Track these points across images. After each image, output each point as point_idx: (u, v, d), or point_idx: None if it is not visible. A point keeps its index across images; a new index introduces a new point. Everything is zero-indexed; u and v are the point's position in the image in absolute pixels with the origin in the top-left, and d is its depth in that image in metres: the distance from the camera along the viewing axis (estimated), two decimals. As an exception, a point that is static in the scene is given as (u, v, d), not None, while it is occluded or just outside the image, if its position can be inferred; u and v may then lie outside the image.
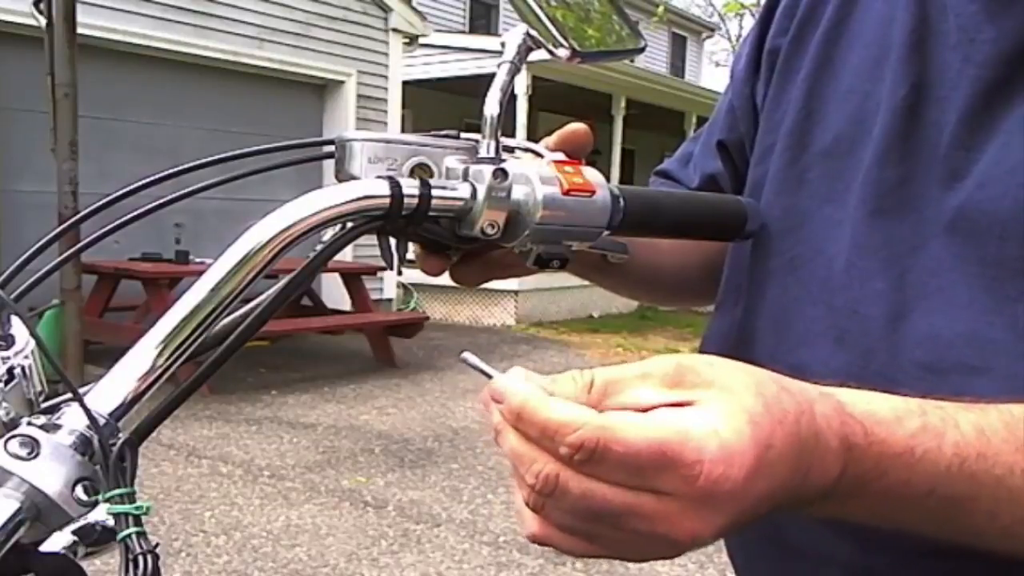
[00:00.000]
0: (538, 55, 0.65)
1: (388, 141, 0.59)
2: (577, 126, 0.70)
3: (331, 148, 0.61)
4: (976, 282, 0.55)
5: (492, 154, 0.61)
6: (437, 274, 0.67)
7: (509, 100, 0.62)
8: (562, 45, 0.63)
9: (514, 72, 0.63)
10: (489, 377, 0.45)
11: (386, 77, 9.15)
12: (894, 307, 0.59)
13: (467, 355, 0.47)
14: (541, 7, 0.63)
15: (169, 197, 0.61)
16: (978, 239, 0.56)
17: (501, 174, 0.58)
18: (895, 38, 0.64)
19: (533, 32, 0.63)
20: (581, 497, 0.41)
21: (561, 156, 0.63)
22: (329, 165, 0.60)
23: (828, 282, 0.64)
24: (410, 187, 0.57)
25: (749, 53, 0.79)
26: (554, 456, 0.41)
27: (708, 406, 0.41)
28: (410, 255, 0.63)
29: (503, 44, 0.64)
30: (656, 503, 0.40)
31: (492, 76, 0.63)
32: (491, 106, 0.61)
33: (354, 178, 0.58)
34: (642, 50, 0.72)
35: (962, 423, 0.46)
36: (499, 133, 0.62)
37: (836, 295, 0.63)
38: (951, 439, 0.45)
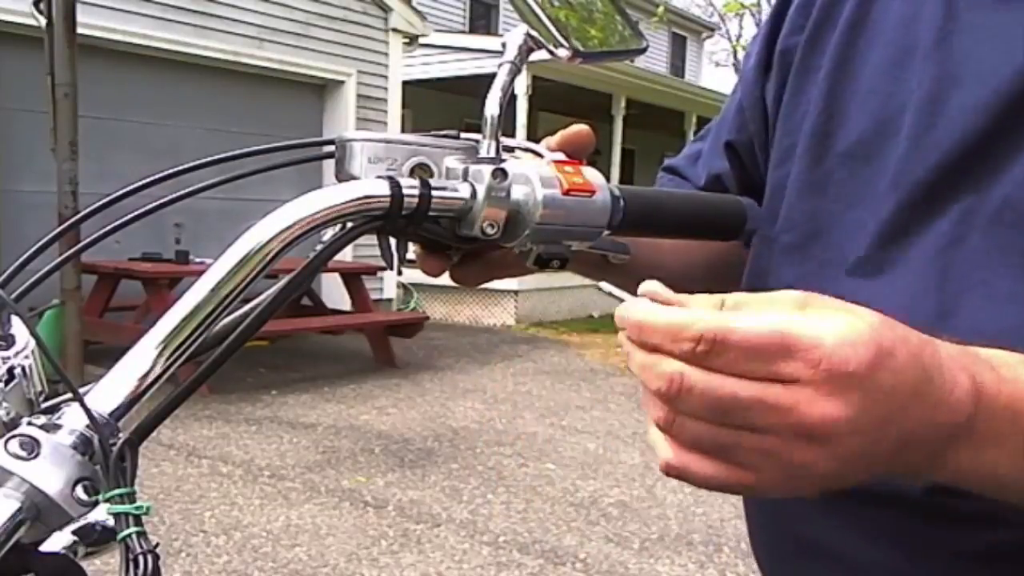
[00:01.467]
0: (538, 55, 0.65)
1: (388, 141, 0.59)
2: (580, 127, 0.69)
3: (331, 148, 0.61)
4: (1021, 273, 0.55)
5: (492, 154, 0.61)
6: (437, 274, 0.67)
7: (509, 100, 0.62)
8: (562, 45, 0.63)
9: (515, 73, 0.63)
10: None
11: (386, 77, 9.15)
12: (940, 304, 0.58)
13: (603, 284, 0.50)
14: (542, 8, 0.63)
15: (169, 197, 0.61)
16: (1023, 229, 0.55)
17: (500, 174, 0.58)
18: (920, 36, 0.63)
19: (534, 33, 0.63)
20: (707, 392, 0.40)
21: (561, 156, 0.63)
22: (329, 165, 0.60)
23: (862, 284, 0.62)
24: (410, 187, 0.56)
25: (760, 52, 0.78)
26: (678, 357, 0.41)
27: (830, 313, 0.42)
28: (410, 255, 0.63)
29: (504, 45, 0.64)
30: (783, 390, 0.40)
31: (493, 76, 0.63)
32: (491, 106, 0.61)
33: (354, 178, 0.58)
34: (644, 50, 0.72)
35: None
36: (499, 133, 0.62)
37: (873, 301, 0.61)
38: None
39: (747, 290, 0.62)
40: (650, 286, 0.44)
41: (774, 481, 0.43)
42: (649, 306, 0.43)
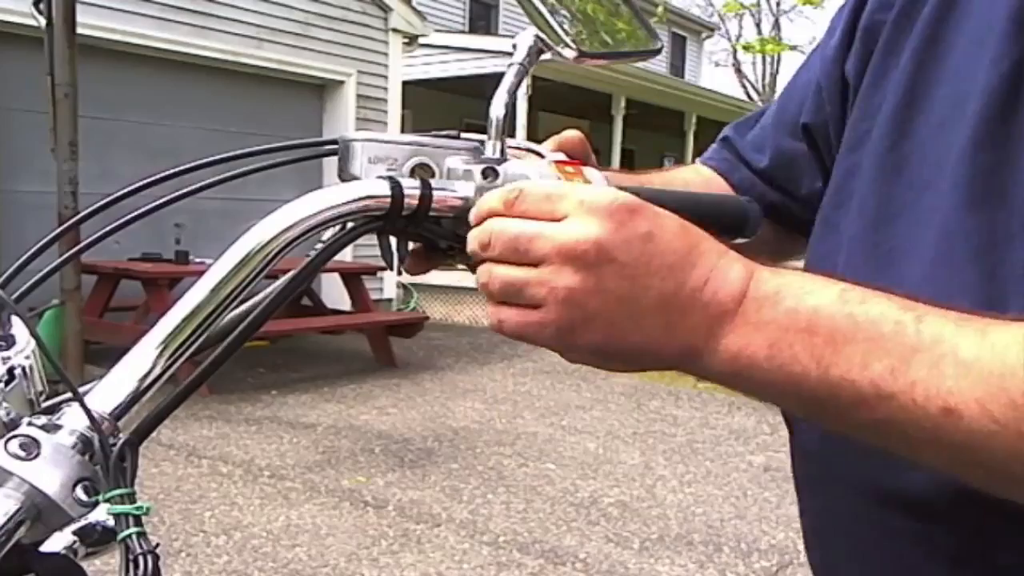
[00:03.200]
0: (545, 55, 0.65)
1: (389, 142, 0.59)
2: (573, 133, 0.69)
3: (332, 145, 0.61)
4: None
5: (498, 155, 0.61)
6: (420, 273, 0.67)
7: (503, 121, 0.62)
8: (568, 46, 0.63)
9: (523, 75, 0.63)
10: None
11: (386, 77, 9.15)
12: (986, 300, 0.55)
13: None
14: (549, 9, 0.63)
15: (169, 197, 0.61)
16: None
17: (491, 173, 0.58)
18: (998, 12, 0.60)
19: (543, 35, 0.63)
20: (505, 229, 0.52)
21: (562, 156, 0.63)
22: (329, 165, 0.60)
23: (919, 275, 0.61)
24: (411, 187, 0.56)
25: (844, 27, 0.74)
26: (499, 214, 0.53)
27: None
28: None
29: (514, 46, 0.64)
30: (556, 224, 0.51)
31: (496, 76, 0.63)
32: (497, 107, 0.61)
33: (355, 178, 0.58)
34: (658, 51, 0.71)
35: (855, 285, 0.51)
36: (505, 134, 0.62)
37: (924, 287, 0.59)
38: (840, 285, 0.51)
39: (811, 272, 0.63)
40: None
41: (558, 315, 0.50)
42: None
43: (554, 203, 0.51)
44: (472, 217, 0.55)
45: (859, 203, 0.68)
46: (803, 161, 0.79)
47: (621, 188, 0.62)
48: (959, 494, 0.52)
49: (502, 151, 0.61)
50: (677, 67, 21.45)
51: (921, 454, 0.48)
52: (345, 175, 0.59)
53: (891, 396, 0.46)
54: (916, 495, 0.58)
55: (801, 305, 0.50)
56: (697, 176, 0.90)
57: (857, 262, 0.66)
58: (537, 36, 0.63)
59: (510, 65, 0.63)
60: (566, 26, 0.64)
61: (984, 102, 0.59)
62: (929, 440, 0.46)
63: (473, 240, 0.54)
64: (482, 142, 0.62)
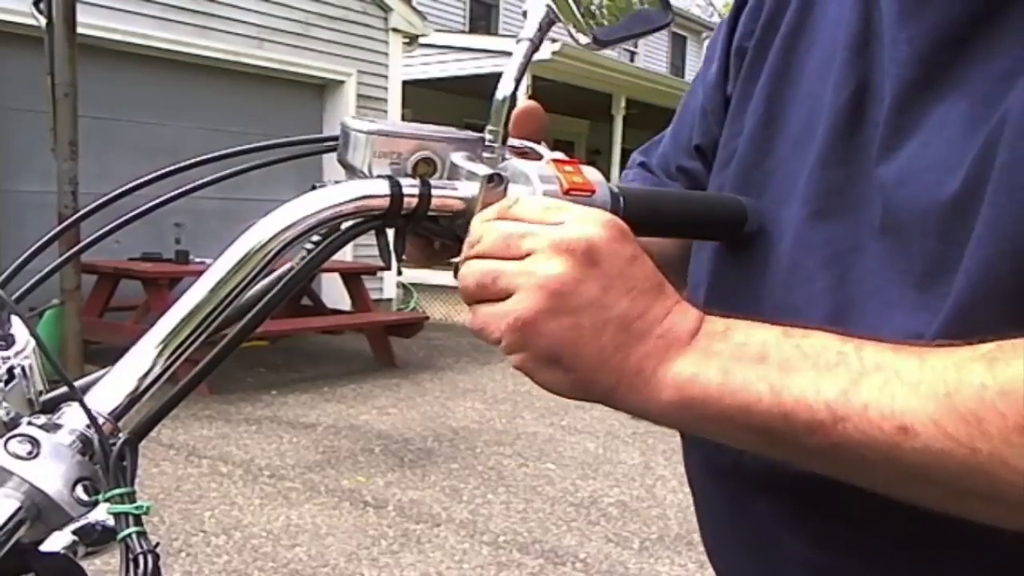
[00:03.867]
0: (540, 56, 0.64)
1: (394, 133, 0.59)
2: (530, 105, 0.68)
3: (331, 143, 0.61)
4: (907, 280, 0.56)
5: (499, 143, 0.61)
6: (420, 264, 0.67)
7: (510, 101, 0.61)
8: (582, 31, 0.62)
9: (533, 50, 0.62)
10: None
11: (386, 77, 9.15)
12: (835, 308, 0.59)
13: None
14: None
15: (169, 195, 0.61)
16: (904, 238, 0.56)
17: (497, 179, 0.57)
18: (840, 40, 0.64)
19: (554, 5, 0.61)
20: (499, 226, 0.54)
21: (561, 155, 0.63)
22: (329, 165, 0.60)
23: (776, 283, 0.65)
24: (410, 187, 0.56)
25: (721, 56, 0.78)
26: (497, 217, 0.56)
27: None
28: (409, 254, 0.63)
29: (524, 14, 0.63)
30: (554, 225, 0.53)
31: (497, 76, 0.62)
32: (505, 87, 0.60)
33: (356, 168, 0.58)
34: (669, 23, 0.70)
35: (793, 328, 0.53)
36: (510, 115, 0.61)
37: (781, 295, 0.64)
38: (781, 327, 0.53)
39: (692, 280, 0.72)
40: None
41: (527, 303, 0.51)
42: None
43: (553, 212, 0.53)
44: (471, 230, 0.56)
45: None
46: (702, 180, 0.82)
47: (621, 189, 0.63)
48: (783, 468, 0.55)
49: (505, 138, 0.61)
50: (677, 67, 21.45)
51: (874, 477, 0.49)
52: (344, 161, 0.59)
53: (845, 418, 0.47)
54: (762, 472, 0.61)
55: (751, 339, 0.52)
56: None
57: (728, 278, 0.70)
58: (548, 5, 0.61)
59: (519, 40, 0.62)
60: (580, 10, 0.62)
61: (831, 122, 0.63)
62: (882, 461, 0.47)
63: (465, 245, 0.55)
64: (486, 136, 0.61)
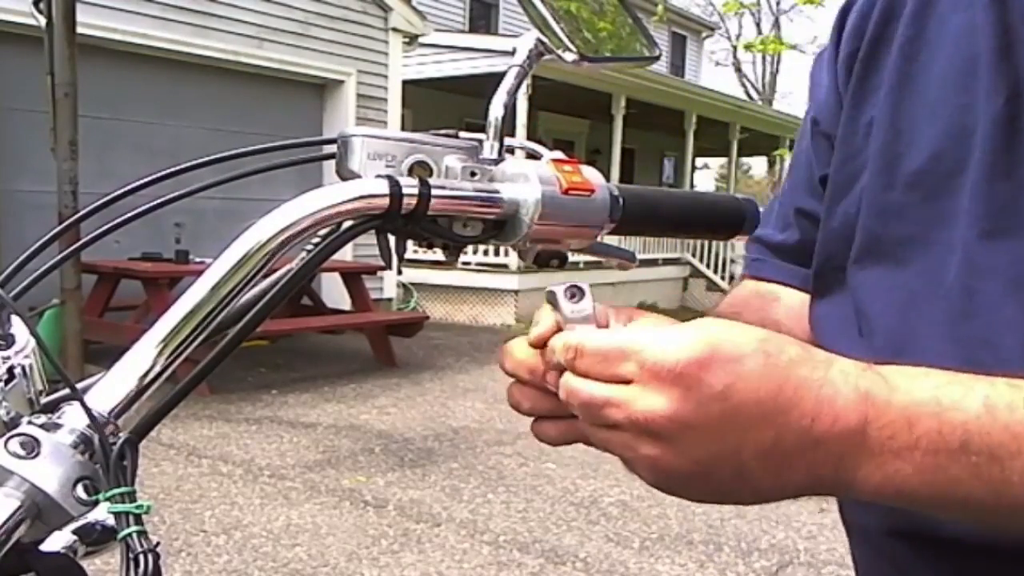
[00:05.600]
0: (545, 56, 0.65)
1: (388, 138, 0.59)
2: None
3: (331, 149, 0.61)
4: None
5: (496, 155, 0.61)
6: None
7: (502, 119, 0.62)
8: (569, 49, 0.63)
9: (523, 76, 0.63)
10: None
11: (386, 76, 9.15)
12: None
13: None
14: (550, 10, 0.63)
15: (169, 196, 0.61)
16: None
17: (578, 291, 0.55)
18: (981, 46, 0.60)
19: (543, 38, 0.63)
20: (574, 392, 0.49)
21: (560, 155, 0.63)
22: (329, 165, 0.60)
23: (951, 314, 0.58)
24: (409, 187, 0.56)
25: (830, 79, 0.74)
26: (566, 367, 0.50)
27: (688, 326, 0.48)
28: (409, 254, 0.63)
29: (514, 49, 0.64)
30: (622, 389, 0.47)
31: (497, 76, 0.63)
32: (496, 107, 0.61)
33: (354, 174, 0.58)
34: (656, 58, 0.71)
35: (990, 381, 0.46)
36: (503, 135, 0.62)
37: (961, 327, 0.57)
38: (980, 390, 0.45)
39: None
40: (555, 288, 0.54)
41: (647, 476, 0.49)
42: (564, 332, 0.53)
43: (614, 365, 0.48)
44: (547, 353, 0.53)
45: (866, 244, 0.66)
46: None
47: (620, 189, 0.63)
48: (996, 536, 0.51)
49: (500, 151, 0.61)
50: (677, 66, 21.44)
51: None
52: (344, 171, 0.59)
53: None
54: (958, 536, 0.56)
55: (945, 426, 0.45)
56: (762, 299, 0.83)
57: (880, 308, 0.64)
58: (538, 39, 0.63)
59: (510, 67, 0.63)
60: (567, 29, 0.63)
61: (988, 133, 0.58)
62: None
63: (561, 391, 0.51)
64: (480, 141, 0.62)
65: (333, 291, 7.61)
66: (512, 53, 0.64)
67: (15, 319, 0.54)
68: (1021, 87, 0.58)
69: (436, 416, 5.60)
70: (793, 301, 0.79)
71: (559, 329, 0.53)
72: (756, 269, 0.84)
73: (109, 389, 0.50)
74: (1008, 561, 0.54)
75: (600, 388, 0.48)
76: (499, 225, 0.59)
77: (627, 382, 0.47)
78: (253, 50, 7.86)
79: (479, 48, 10.96)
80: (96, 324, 5.77)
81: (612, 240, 0.68)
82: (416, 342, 7.67)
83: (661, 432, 0.46)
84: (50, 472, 0.46)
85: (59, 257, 0.62)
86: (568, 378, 0.50)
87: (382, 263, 0.60)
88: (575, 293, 0.54)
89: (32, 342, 0.54)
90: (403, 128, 9.35)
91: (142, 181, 0.61)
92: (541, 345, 0.53)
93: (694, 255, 13.12)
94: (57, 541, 0.46)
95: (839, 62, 0.73)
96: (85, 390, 0.50)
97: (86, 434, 0.48)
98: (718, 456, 0.46)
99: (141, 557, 0.45)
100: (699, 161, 23.44)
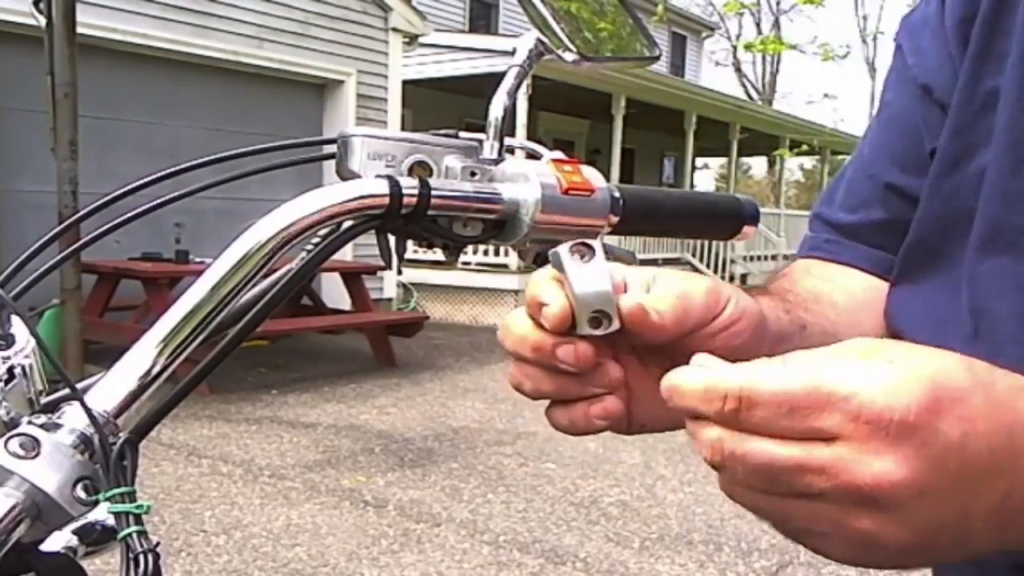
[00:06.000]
0: (545, 56, 0.65)
1: (388, 138, 0.59)
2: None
3: (331, 149, 0.61)
4: None
5: (495, 155, 0.61)
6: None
7: (502, 119, 0.62)
8: (569, 49, 0.63)
9: (522, 76, 0.63)
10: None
11: (386, 76, 9.15)
12: None
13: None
14: (550, 10, 0.63)
15: (169, 196, 0.61)
16: None
17: (588, 250, 0.48)
18: None
19: (543, 38, 0.63)
20: (746, 457, 0.37)
21: (560, 155, 0.63)
22: (329, 165, 0.60)
23: None
24: (409, 186, 0.57)
25: (937, 38, 0.66)
26: (715, 420, 0.38)
27: (884, 359, 0.37)
28: (409, 254, 0.63)
29: (514, 49, 0.64)
30: (826, 450, 0.36)
31: (497, 76, 0.63)
32: (496, 108, 0.61)
33: (354, 174, 0.58)
34: (656, 58, 0.71)
35: None
36: (503, 135, 0.62)
37: None
38: None
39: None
40: (701, 358, 0.41)
41: (844, 553, 0.38)
42: (685, 370, 0.40)
43: (809, 418, 0.36)
44: (671, 393, 0.40)
45: (988, 229, 0.59)
46: (915, 196, 0.68)
47: (620, 190, 0.63)
48: None
49: (500, 151, 0.61)
50: (677, 66, 21.44)
51: None
52: (344, 171, 0.59)
53: None
54: None
55: None
56: (840, 286, 0.72)
57: (1003, 307, 0.57)
58: (538, 39, 0.63)
59: (510, 67, 0.63)
60: (567, 29, 0.64)
61: None
62: None
63: (694, 444, 0.40)
64: (480, 141, 0.62)
65: (333, 291, 7.61)
66: (512, 53, 0.64)
67: (15, 319, 0.54)
68: None
69: (436, 416, 5.60)
70: (853, 285, 0.71)
71: (571, 305, 0.44)
72: (831, 252, 0.74)
73: (109, 389, 0.50)
74: None
75: (789, 450, 0.36)
76: (499, 225, 0.59)
77: (828, 437, 0.36)
78: (253, 50, 7.86)
79: (479, 48, 10.96)
80: (96, 324, 5.77)
81: (612, 240, 0.68)
82: (416, 342, 7.68)
83: (887, 501, 0.36)
84: (50, 472, 0.46)
85: (59, 257, 0.62)
86: (726, 436, 0.38)
87: (382, 263, 0.60)
88: (584, 252, 0.46)
89: (32, 342, 0.54)
90: (403, 128, 9.36)
91: (142, 181, 0.61)
92: (560, 332, 0.45)
93: (694, 255, 13.12)
94: (57, 541, 0.46)
95: (948, 27, 0.65)
96: (85, 390, 0.50)
97: (86, 434, 0.48)
98: (945, 522, 0.37)
99: (141, 557, 0.45)
100: (699, 161, 23.45)
